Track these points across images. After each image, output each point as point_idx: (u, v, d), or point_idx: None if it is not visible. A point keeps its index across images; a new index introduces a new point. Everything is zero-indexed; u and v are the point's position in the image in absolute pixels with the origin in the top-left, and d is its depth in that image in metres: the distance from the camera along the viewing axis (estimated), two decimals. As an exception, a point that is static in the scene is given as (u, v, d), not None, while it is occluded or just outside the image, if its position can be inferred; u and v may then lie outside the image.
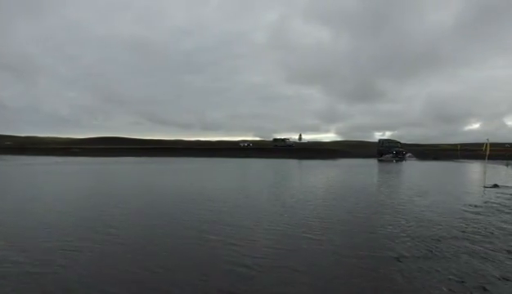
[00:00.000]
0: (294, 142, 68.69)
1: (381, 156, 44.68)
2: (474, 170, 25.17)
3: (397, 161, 39.21)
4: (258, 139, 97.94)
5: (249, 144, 75.37)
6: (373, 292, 3.62)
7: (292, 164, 32.08)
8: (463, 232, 5.96)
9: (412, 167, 28.42)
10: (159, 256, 4.73)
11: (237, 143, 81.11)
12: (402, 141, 51.90)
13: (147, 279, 3.92)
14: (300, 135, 69.67)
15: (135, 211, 7.99)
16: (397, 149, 45.03)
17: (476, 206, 8.66)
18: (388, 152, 44.45)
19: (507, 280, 3.85)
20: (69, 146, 71.96)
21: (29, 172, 21.10)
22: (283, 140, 67.69)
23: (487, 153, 16.09)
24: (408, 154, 47.18)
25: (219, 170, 24.56)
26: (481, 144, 17.71)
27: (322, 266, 4.35)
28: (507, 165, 28.23)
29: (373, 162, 38.16)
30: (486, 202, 9.21)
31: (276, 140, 69.55)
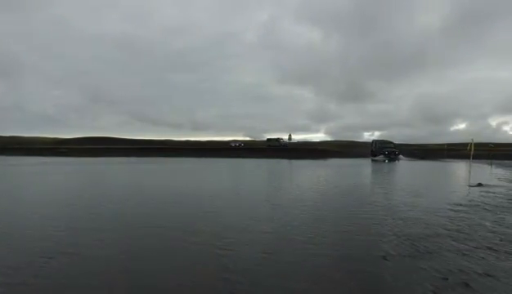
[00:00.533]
0: (284, 142, 68.98)
1: (374, 156, 45.27)
2: (460, 169, 25.80)
3: (389, 161, 39.45)
4: (248, 139, 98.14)
5: (240, 144, 74.84)
6: (360, 291, 3.69)
7: (283, 164, 32.22)
8: (448, 230, 6.13)
9: (401, 167, 28.92)
10: (147, 263, 4.71)
11: (228, 143, 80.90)
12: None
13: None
14: (290, 135, 69.76)
15: (124, 213, 7.91)
16: (389, 149, 45.16)
17: (461, 204, 8.89)
18: (381, 152, 45.10)
19: (488, 276, 3.99)
20: (56, 146, 70.46)
21: (16, 173, 20.60)
22: (277, 139, 67.46)
23: (472, 152, 16.56)
24: (400, 155, 47.70)
25: (210, 170, 24.47)
26: (466, 144, 18.18)
27: (309, 266, 4.41)
28: (491, 164, 29.03)
29: (363, 161, 38.62)
30: (470, 201, 9.47)
31: (269, 139, 69.25)
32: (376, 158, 43.91)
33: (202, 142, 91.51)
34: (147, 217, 7.33)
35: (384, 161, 39.19)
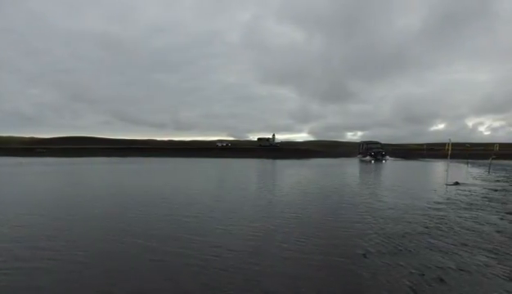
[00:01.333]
0: (275, 142, 68.97)
1: (362, 157, 46.05)
2: (438, 169, 26.67)
3: (375, 161, 39.90)
4: (232, 139, 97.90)
5: (227, 144, 74.27)
6: (340, 288, 3.74)
7: (268, 164, 32.31)
8: (426, 228, 6.31)
9: (383, 167, 29.59)
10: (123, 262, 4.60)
11: (214, 142, 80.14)
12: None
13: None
14: (273, 135, 70.23)
15: (103, 217, 7.69)
16: (375, 150, 45.69)
17: (438, 203, 9.18)
18: (367, 153, 45.66)
19: (462, 271, 4.13)
20: (33, 146, 67.85)
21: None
22: (267, 139, 67.77)
23: (450, 152, 17.17)
24: (387, 156, 48.03)
25: (194, 170, 24.22)
26: (445, 144, 18.84)
27: (291, 264, 4.43)
28: (467, 163, 30.16)
29: (347, 161, 39.34)
30: (447, 199, 9.79)
31: (260, 139, 69.51)
32: (363, 159, 44.70)
33: (185, 142, 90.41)
34: (113, 226, 7.15)
35: (370, 161, 39.62)
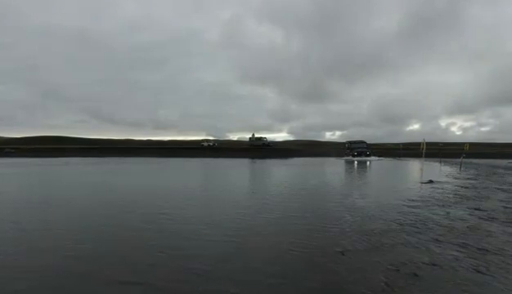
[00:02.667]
0: (267, 141, 68.54)
1: (348, 156, 46.28)
2: (413, 167, 27.70)
3: (358, 161, 39.69)
4: (211, 138, 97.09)
5: (214, 144, 72.85)
6: (318, 285, 3.78)
7: (247, 163, 32.33)
8: (401, 225, 6.51)
9: (364, 166, 30.34)
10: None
11: (198, 142, 78.84)
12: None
13: None
14: (253, 135, 70.12)
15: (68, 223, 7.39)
16: (359, 149, 45.56)
17: (413, 200, 9.52)
18: (351, 153, 46.15)
19: (435, 265, 4.30)
20: (1, 146, 64.31)
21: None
22: (260, 138, 67.06)
23: (424, 151, 17.87)
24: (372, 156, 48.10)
25: (177, 170, 23.83)
26: (419, 144, 19.57)
27: (268, 263, 4.43)
28: (440, 162, 31.50)
29: (326, 160, 40.06)
30: (421, 197, 10.17)
31: (252, 138, 68.46)
32: (347, 158, 45.32)
33: (164, 141, 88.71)
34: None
35: (353, 162, 39.63)
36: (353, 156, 44.10)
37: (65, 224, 6.65)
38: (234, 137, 68.46)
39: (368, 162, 37.69)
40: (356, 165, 30.85)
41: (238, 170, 24.39)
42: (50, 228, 6.30)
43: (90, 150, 57.32)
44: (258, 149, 60.27)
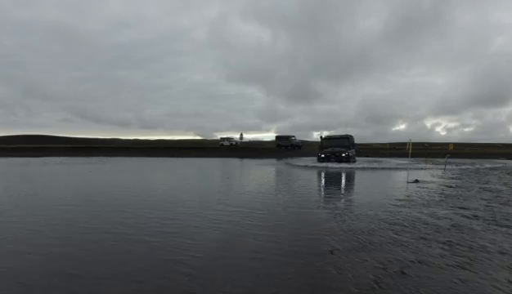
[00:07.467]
0: (237, 142, 63.20)
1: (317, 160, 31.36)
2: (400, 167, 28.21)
3: (327, 167, 27.76)
4: (199, 138, 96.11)
5: (236, 143, 65.13)
6: (308, 285, 3.81)
7: (236, 162, 32.29)
8: (388, 224, 6.64)
9: (352, 166, 30.67)
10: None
11: (187, 141, 77.46)
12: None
13: None
14: (241, 134, 69.57)
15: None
16: (331, 149, 29.26)
17: (400, 199, 9.71)
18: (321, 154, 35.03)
19: (421, 263, 4.40)
20: (-19, 145, 62.23)
21: None
22: (287, 138, 57.81)
23: (410, 151, 18.26)
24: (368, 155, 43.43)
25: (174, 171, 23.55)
26: (405, 144, 19.99)
27: (258, 263, 4.44)
28: (426, 162, 32.20)
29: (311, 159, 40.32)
30: (408, 196, 10.38)
31: (278, 137, 59.50)
32: (313, 164, 42.54)
33: (151, 141, 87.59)
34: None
35: (322, 168, 33.44)
36: (320, 160, 28.36)
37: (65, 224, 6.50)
38: (222, 136, 65.71)
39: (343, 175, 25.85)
40: (347, 165, 29.57)
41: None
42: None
43: (75, 150, 56.08)
44: (286, 150, 53.69)
